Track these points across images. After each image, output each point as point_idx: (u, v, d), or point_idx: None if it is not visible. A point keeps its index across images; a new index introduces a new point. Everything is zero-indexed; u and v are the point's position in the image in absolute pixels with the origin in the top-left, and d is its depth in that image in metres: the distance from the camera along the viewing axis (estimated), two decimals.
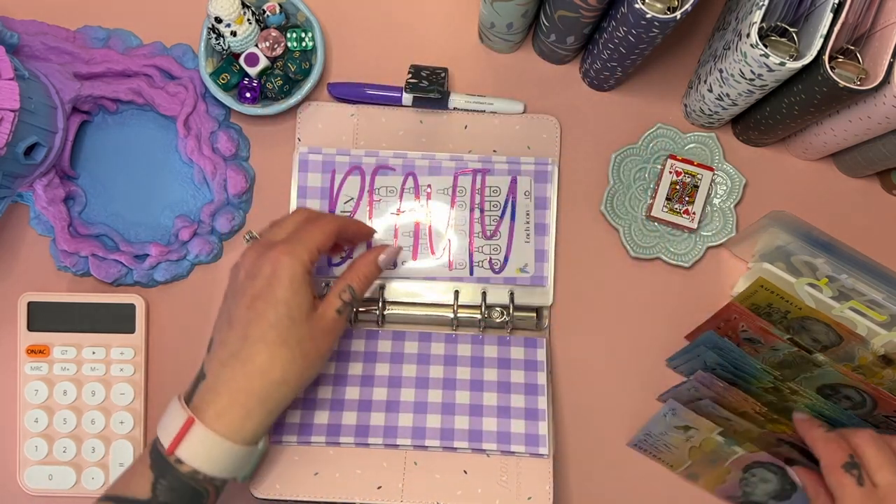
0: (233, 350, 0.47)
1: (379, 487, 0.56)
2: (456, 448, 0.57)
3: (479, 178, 0.61)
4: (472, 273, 0.61)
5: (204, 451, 0.46)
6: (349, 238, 0.57)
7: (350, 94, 0.62)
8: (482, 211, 0.61)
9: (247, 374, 0.47)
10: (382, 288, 0.61)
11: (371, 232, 0.59)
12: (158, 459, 0.46)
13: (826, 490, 0.51)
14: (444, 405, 0.58)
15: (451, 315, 0.60)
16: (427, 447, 0.57)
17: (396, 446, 0.57)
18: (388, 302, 0.61)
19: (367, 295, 0.60)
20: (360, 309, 0.60)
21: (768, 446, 0.56)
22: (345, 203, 0.61)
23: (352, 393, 0.58)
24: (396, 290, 0.61)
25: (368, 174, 0.61)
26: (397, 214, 0.61)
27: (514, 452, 0.56)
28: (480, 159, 0.61)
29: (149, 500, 0.46)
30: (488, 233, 0.61)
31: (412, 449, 0.57)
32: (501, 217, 0.61)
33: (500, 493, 0.55)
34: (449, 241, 0.61)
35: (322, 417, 0.57)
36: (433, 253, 0.61)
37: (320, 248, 0.50)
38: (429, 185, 0.61)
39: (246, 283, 0.48)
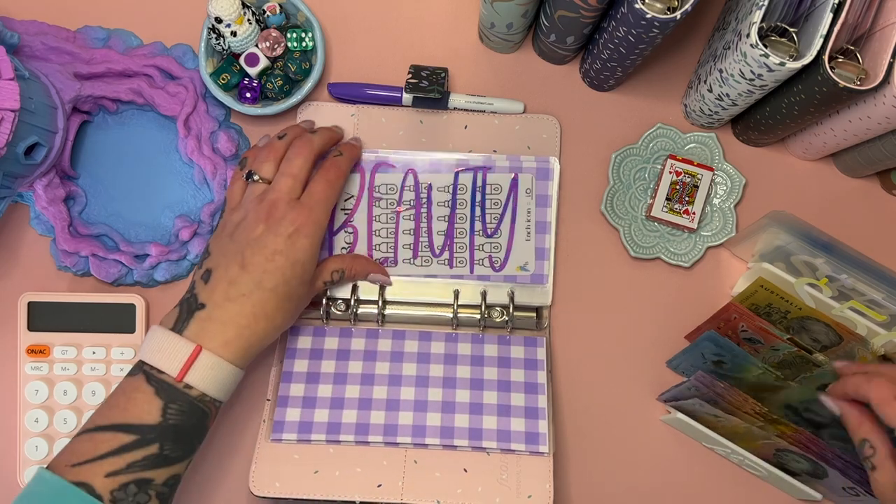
0: (244, 291, 0.51)
1: (379, 486, 0.56)
2: (456, 446, 0.57)
3: (479, 175, 0.61)
4: (472, 271, 0.61)
5: (212, 375, 0.49)
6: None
7: (350, 94, 0.62)
8: (483, 209, 0.61)
9: (255, 315, 0.51)
10: (382, 287, 0.61)
11: (340, 137, 0.61)
12: (164, 386, 0.49)
13: (869, 417, 0.48)
14: (444, 404, 0.58)
15: (451, 315, 0.60)
16: (427, 445, 0.57)
17: (396, 444, 0.57)
18: (388, 301, 0.61)
19: (366, 296, 0.61)
20: (360, 309, 0.60)
21: (768, 451, 0.56)
22: (345, 200, 0.61)
23: (352, 391, 0.58)
24: (396, 289, 0.61)
25: (368, 171, 0.61)
26: (397, 212, 0.61)
27: (514, 451, 0.56)
28: (481, 158, 0.61)
29: (158, 423, 0.48)
30: (489, 230, 0.61)
31: (412, 447, 0.57)
32: (502, 215, 0.61)
33: (500, 491, 0.55)
34: (449, 238, 0.61)
35: (322, 416, 0.57)
36: (433, 250, 0.61)
37: (334, 205, 0.55)
38: (429, 183, 0.61)
39: (267, 236, 0.51)
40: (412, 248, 0.61)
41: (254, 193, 0.54)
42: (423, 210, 0.61)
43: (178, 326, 0.50)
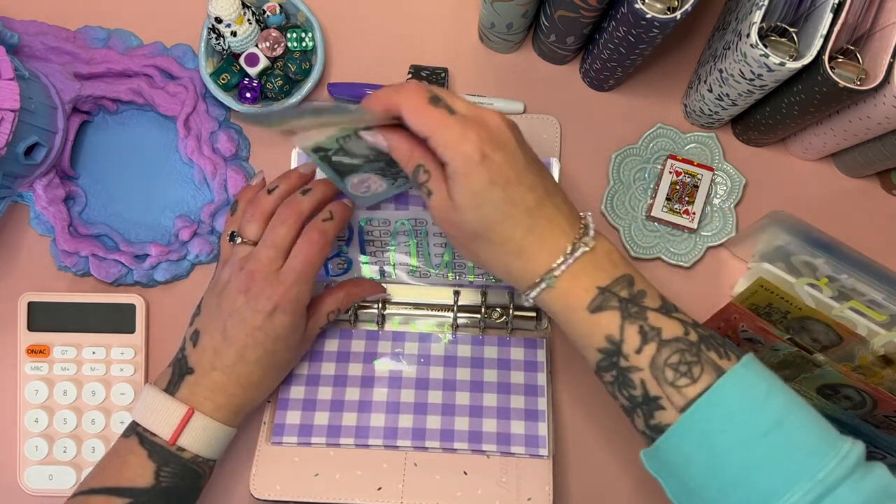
0: (228, 363, 0.50)
1: (379, 489, 0.56)
2: (456, 449, 0.57)
3: None
4: (472, 284, 0.61)
5: (205, 437, 0.50)
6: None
7: (350, 94, 0.62)
8: None
9: (240, 385, 0.51)
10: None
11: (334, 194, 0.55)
12: (157, 449, 0.49)
13: (418, 142, 0.44)
14: (444, 406, 0.58)
15: (451, 316, 0.60)
16: (427, 448, 0.57)
17: (396, 448, 0.57)
18: (389, 303, 0.61)
19: (366, 298, 0.61)
20: (361, 310, 0.60)
21: None
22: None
23: (352, 394, 0.58)
24: (397, 291, 0.61)
25: None
26: (394, 210, 0.61)
27: (514, 453, 0.56)
28: None
29: (152, 486, 0.48)
30: None
31: (412, 450, 0.57)
32: None
33: (500, 493, 0.55)
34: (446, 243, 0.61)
35: (322, 419, 0.57)
36: (432, 250, 0.61)
37: (317, 273, 0.52)
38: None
39: (245, 311, 0.50)
40: (413, 247, 0.61)
41: (237, 256, 0.51)
42: (423, 208, 0.61)
43: (171, 388, 0.50)
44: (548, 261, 0.44)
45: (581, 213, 0.46)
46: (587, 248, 0.44)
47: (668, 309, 0.44)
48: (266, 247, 0.50)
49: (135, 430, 0.49)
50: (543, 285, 0.44)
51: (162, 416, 0.49)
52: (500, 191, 0.43)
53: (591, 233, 0.45)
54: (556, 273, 0.43)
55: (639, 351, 0.42)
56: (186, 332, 0.52)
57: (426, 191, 0.45)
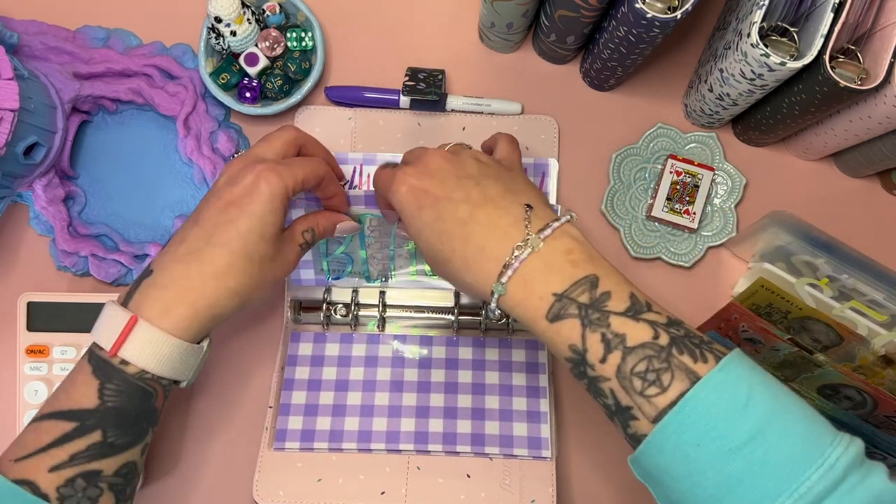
0: (192, 248, 0.45)
1: (382, 493, 0.56)
2: (459, 452, 0.56)
3: None
4: None
5: (150, 348, 0.44)
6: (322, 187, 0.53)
7: (347, 97, 0.62)
8: None
9: (202, 274, 0.45)
10: (383, 293, 0.60)
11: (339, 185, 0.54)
12: (101, 364, 0.44)
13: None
14: (445, 409, 0.57)
15: (452, 318, 0.60)
16: (430, 452, 0.57)
17: (399, 451, 0.57)
18: (389, 306, 0.61)
19: (366, 300, 0.60)
20: (361, 312, 0.60)
21: None
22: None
23: (353, 398, 0.58)
24: (397, 294, 0.61)
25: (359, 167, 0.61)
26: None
27: (516, 456, 0.56)
28: None
29: (97, 407, 0.43)
30: None
31: (415, 454, 0.57)
32: None
33: (503, 496, 0.55)
34: None
35: (324, 423, 0.57)
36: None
37: (305, 181, 0.48)
38: None
39: (224, 187, 0.46)
40: (410, 260, 0.61)
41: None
42: None
43: (125, 297, 0.45)
44: (494, 268, 0.42)
45: (557, 214, 0.44)
46: (532, 250, 0.41)
47: (636, 310, 0.40)
48: (258, 143, 0.49)
49: (89, 348, 0.45)
50: (496, 295, 0.42)
51: (107, 326, 0.44)
52: (429, 211, 0.44)
53: (547, 232, 0.42)
54: (503, 280, 0.41)
55: (603, 360, 0.40)
56: None
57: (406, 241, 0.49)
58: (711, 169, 0.61)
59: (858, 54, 0.51)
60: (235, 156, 0.52)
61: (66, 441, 0.43)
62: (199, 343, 0.47)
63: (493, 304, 0.42)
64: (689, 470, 0.37)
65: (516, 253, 0.41)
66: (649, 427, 0.38)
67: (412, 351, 0.60)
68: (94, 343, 0.45)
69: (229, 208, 0.45)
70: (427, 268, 0.60)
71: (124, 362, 0.44)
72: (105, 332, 0.44)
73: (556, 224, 0.42)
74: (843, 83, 0.48)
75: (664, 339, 0.39)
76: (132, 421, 0.44)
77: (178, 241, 0.46)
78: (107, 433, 0.43)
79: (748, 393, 0.37)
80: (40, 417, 0.44)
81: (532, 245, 0.41)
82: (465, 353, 0.59)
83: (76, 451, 0.43)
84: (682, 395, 0.37)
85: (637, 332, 0.39)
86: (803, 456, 0.36)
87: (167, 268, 0.45)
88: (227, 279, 0.45)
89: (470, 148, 0.49)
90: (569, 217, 0.43)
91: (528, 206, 0.43)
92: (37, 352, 0.59)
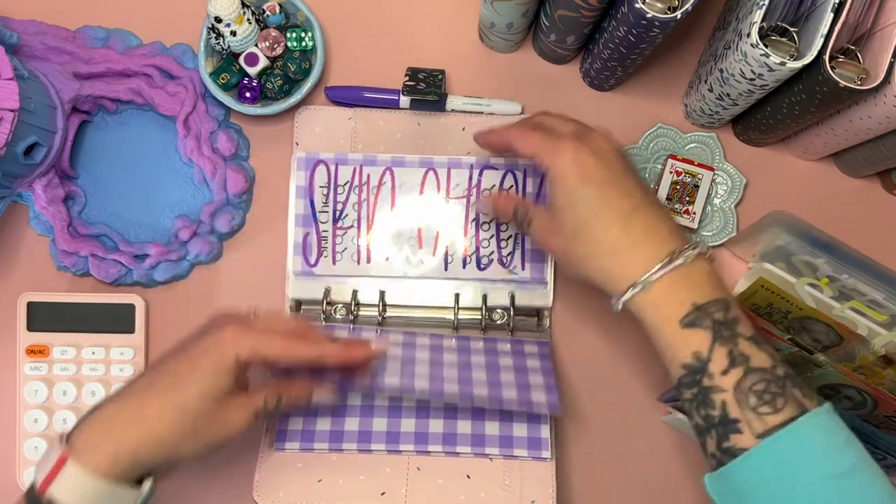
0: (135, 390, 0.46)
1: (382, 493, 0.56)
2: (458, 453, 0.56)
3: (476, 175, 0.61)
4: (464, 266, 0.60)
5: (76, 488, 0.42)
6: (334, 366, 0.52)
7: (347, 97, 0.62)
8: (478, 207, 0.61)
9: (133, 418, 0.44)
10: (383, 293, 0.60)
11: (362, 357, 0.51)
12: (31, 501, 0.43)
13: (508, 196, 0.54)
14: (445, 409, 0.57)
15: (452, 317, 0.60)
16: (430, 452, 0.57)
17: (399, 452, 0.57)
18: (389, 305, 0.60)
19: (366, 300, 0.60)
20: (361, 312, 0.60)
21: None
22: (340, 194, 0.61)
23: (353, 398, 0.58)
24: (397, 293, 0.61)
25: (359, 168, 0.61)
26: (391, 209, 0.61)
27: (516, 456, 0.56)
28: (478, 163, 0.61)
29: None
30: (483, 232, 0.61)
31: (415, 454, 0.57)
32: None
33: (503, 497, 0.55)
34: (439, 234, 0.61)
35: (324, 424, 0.57)
36: (427, 249, 0.61)
37: (276, 360, 0.47)
38: (422, 182, 0.61)
39: (193, 337, 0.47)
40: (405, 246, 0.61)
41: None
42: (418, 208, 0.61)
43: (70, 430, 0.44)
44: (643, 266, 0.44)
45: (693, 238, 0.48)
46: (684, 261, 0.44)
47: (758, 340, 0.44)
48: (268, 317, 0.49)
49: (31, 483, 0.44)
50: (638, 288, 0.44)
51: (45, 460, 0.43)
52: (593, 188, 0.45)
53: (697, 250, 0.45)
54: (653, 278, 0.44)
55: (725, 372, 0.42)
56: None
57: (527, 221, 0.50)
58: (711, 169, 0.61)
59: (858, 54, 0.51)
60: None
61: None
62: (133, 486, 0.44)
63: (623, 297, 0.45)
64: (788, 487, 0.40)
65: (670, 259, 0.44)
66: (753, 442, 0.41)
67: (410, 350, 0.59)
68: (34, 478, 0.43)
69: (183, 358, 0.46)
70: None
71: (51, 502, 0.42)
72: (41, 466, 0.43)
73: (701, 247, 0.45)
74: (843, 83, 0.48)
75: (781, 371, 0.42)
76: None
77: (132, 381, 0.47)
78: None
79: (846, 437, 0.41)
80: None
81: (686, 256, 0.44)
82: (460, 353, 0.59)
83: None
84: (792, 419, 0.41)
85: (759, 358, 0.43)
86: (889, 501, 0.39)
87: (106, 406, 0.45)
88: (153, 427, 0.44)
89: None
90: (706, 243, 0.47)
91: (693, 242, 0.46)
92: (37, 352, 0.59)
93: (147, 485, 0.45)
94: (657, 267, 0.44)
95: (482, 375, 0.56)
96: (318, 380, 0.52)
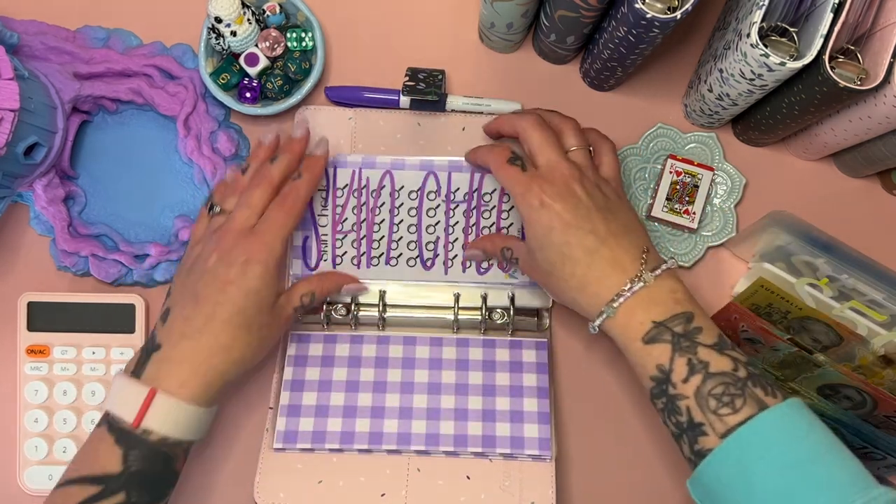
0: (198, 326, 0.50)
1: (383, 495, 0.56)
2: (459, 454, 0.56)
3: (475, 178, 0.61)
4: (464, 271, 0.60)
5: (171, 418, 0.48)
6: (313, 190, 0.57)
7: (347, 97, 0.62)
8: (478, 211, 0.61)
9: (210, 349, 0.50)
10: (383, 293, 0.60)
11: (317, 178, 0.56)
12: (123, 434, 0.48)
13: (495, 236, 0.59)
14: (456, 411, 0.57)
15: (452, 317, 0.60)
16: (430, 453, 0.56)
17: (399, 453, 0.56)
18: (389, 305, 0.61)
19: (367, 300, 0.60)
20: (361, 312, 0.60)
21: None
22: (339, 197, 0.61)
23: (364, 399, 0.58)
24: (397, 293, 0.61)
25: (359, 170, 0.61)
26: (391, 213, 0.61)
27: (516, 457, 0.56)
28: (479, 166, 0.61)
29: (121, 472, 0.48)
30: (481, 233, 0.61)
31: (415, 455, 0.57)
32: (497, 218, 0.61)
33: (503, 498, 0.55)
34: (438, 239, 0.61)
35: (335, 425, 0.57)
36: (427, 254, 0.61)
37: (291, 232, 0.53)
38: (422, 185, 0.61)
39: (219, 267, 0.51)
40: (405, 251, 0.61)
41: (213, 227, 0.54)
42: (417, 209, 0.61)
43: (137, 370, 0.50)
44: (607, 295, 0.48)
45: (663, 256, 0.51)
46: (643, 285, 0.48)
47: (721, 346, 0.47)
48: (241, 207, 0.53)
49: (106, 419, 0.49)
50: (604, 316, 0.49)
51: (126, 399, 0.48)
52: (558, 234, 0.49)
53: (657, 272, 0.48)
54: (615, 305, 0.48)
55: (685, 380, 0.46)
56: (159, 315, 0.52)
57: (514, 260, 0.55)
58: (711, 169, 0.61)
59: (858, 54, 0.51)
60: (216, 211, 0.55)
61: (93, 501, 0.47)
62: (215, 406, 0.52)
63: (595, 323, 0.49)
64: (749, 481, 0.43)
65: (630, 285, 0.48)
66: (717, 442, 0.44)
67: (422, 352, 0.59)
68: (112, 414, 0.49)
69: (227, 287, 0.50)
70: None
71: (146, 431, 0.48)
72: (123, 404, 0.48)
73: (664, 266, 0.49)
74: (842, 83, 0.48)
75: (742, 373, 0.45)
76: (154, 483, 0.49)
77: (183, 319, 0.50)
78: (130, 495, 0.48)
79: (808, 426, 0.44)
80: (66, 482, 0.48)
81: (645, 280, 0.48)
82: (475, 354, 0.59)
83: None
84: (750, 417, 0.44)
85: (719, 363, 0.46)
86: (851, 485, 0.41)
87: (176, 344, 0.50)
88: (233, 351, 0.51)
89: (591, 152, 0.55)
90: (675, 261, 0.50)
91: (646, 249, 0.50)
92: (37, 352, 0.59)
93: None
94: (618, 295, 0.48)
95: (478, 397, 0.58)
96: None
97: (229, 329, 0.50)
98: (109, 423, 0.49)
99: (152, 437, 0.48)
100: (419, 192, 0.60)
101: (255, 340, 0.52)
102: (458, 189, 0.60)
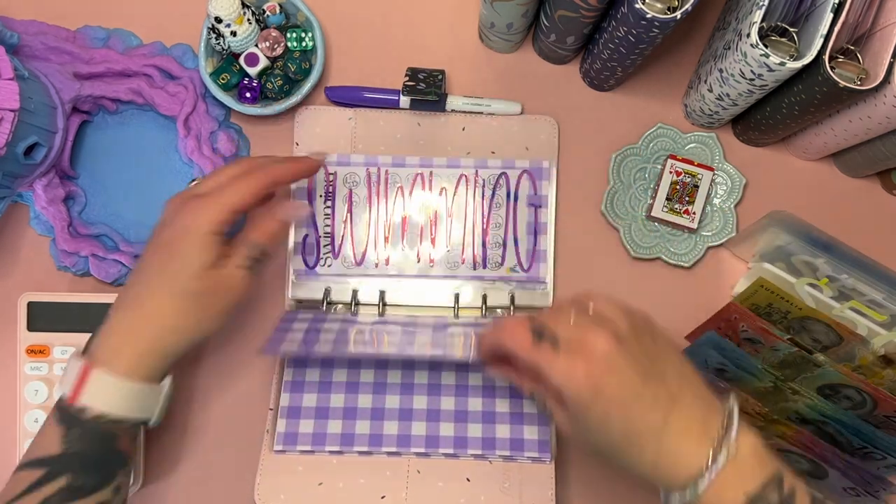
0: (134, 293, 0.48)
1: (383, 497, 0.56)
2: (459, 456, 0.56)
3: (474, 177, 0.61)
4: (462, 262, 0.60)
5: (104, 392, 0.46)
6: (289, 180, 0.55)
7: (348, 97, 0.62)
8: (477, 211, 0.61)
9: (143, 316, 0.48)
10: (383, 291, 0.60)
11: (312, 167, 0.55)
12: (63, 413, 0.46)
13: (524, 372, 0.48)
14: (456, 413, 0.57)
15: (452, 317, 0.60)
16: (430, 455, 0.56)
17: (399, 455, 0.56)
18: (389, 304, 0.61)
19: (366, 300, 0.60)
20: (360, 312, 0.60)
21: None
22: (340, 196, 0.61)
23: (364, 401, 0.58)
24: (396, 292, 0.61)
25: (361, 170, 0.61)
26: (391, 211, 0.61)
27: (516, 459, 0.56)
28: (477, 163, 0.61)
29: (61, 453, 0.46)
30: (481, 232, 0.61)
31: (415, 457, 0.57)
32: (495, 216, 0.61)
33: (503, 499, 0.55)
34: (438, 235, 0.61)
35: (336, 427, 0.57)
36: (427, 250, 0.61)
37: (239, 206, 0.49)
38: (422, 185, 0.61)
39: (160, 230, 0.49)
40: (405, 247, 0.61)
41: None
42: (416, 209, 0.61)
43: (87, 345, 0.48)
44: (686, 474, 0.41)
45: (721, 401, 0.43)
46: (729, 456, 0.40)
47: (819, 499, 0.41)
48: (205, 178, 0.51)
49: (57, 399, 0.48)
50: (687, 499, 0.41)
51: (68, 375, 0.47)
52: (619, 421, 0.42)
53: (734, 432, 0.41)
54: (699, 490, 0.40)
55: None
56: None
57: (548, 412, 0.47)
58: (711, 169, 0.61)
59: (858, 54, 0.51)
60: (189, 186, 0.53)
61: (37, 487, 0.45)
62: (157, 383, 0.49)
63: (675, 501, 0.42)
64: None
65: (712, 458, 0.40)
66: None
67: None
68: (61, 394, 0.47)
69: (162, 251, 0.48)
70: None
71: (83, 409, 0.46)
72: (66, 381, 0.47)
73: (736, 423, 0.41)
74: (842, 83, 0.48)
75: None
76: (97, 464, 0.46)
77: (126, 287, 0.49)
78: (72, 478, 0.45)
79: None
80: (19, 467, 0.46)
81: (728, 448, 0.41)
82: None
83: (47, 495, 0.45)
84: None
85: None
86: None
87: (114, 314, 0.48)
88: (165, 319, 0.48)
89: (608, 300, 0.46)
90: (734, 399, 0.43)
91: (710, 402, 0.43)
92: (37, 352, 0.59)
93: (166, 382, 0.50)
94: (700, 476, 0.40)
95: (478, 398, 0.57)
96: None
97: (163, 297, 0.47)
98: (57, 401, 0.47)
99: (88, 414, 0.46)
100: (420, 191, 0.60)
101: (193, 308, 0.48)
102: (458, 188, 0.60)
